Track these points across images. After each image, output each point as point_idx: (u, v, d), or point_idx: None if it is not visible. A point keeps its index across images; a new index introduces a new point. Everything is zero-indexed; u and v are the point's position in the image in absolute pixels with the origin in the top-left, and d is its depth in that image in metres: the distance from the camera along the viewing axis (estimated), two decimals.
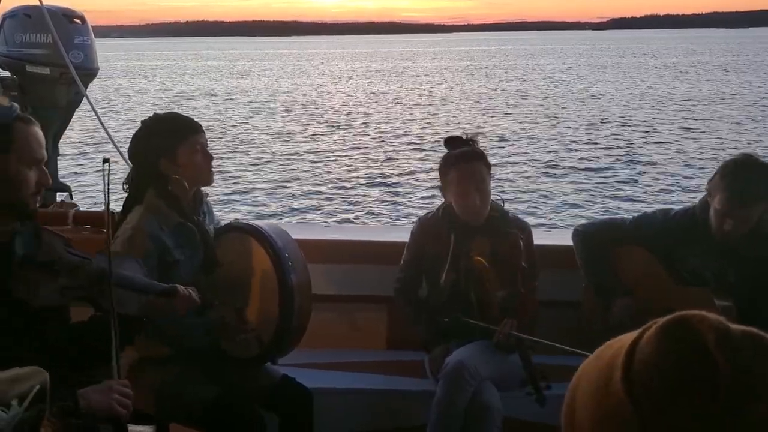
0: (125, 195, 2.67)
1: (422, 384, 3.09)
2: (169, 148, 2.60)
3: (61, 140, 4.34)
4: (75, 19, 4.02)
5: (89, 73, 4.11)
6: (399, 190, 13.60)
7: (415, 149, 18.17)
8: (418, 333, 3.13)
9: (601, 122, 22.28)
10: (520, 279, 2.98)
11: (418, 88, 37.42)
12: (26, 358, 1.36)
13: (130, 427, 2.53)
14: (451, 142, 3.07)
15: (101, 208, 3.67)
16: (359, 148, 18.62)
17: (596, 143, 18.39)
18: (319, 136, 20.81)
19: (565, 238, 3.34)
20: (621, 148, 17.65)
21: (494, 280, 2.96)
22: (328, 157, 17.26)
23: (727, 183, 2.78)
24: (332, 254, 3.50)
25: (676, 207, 3.18)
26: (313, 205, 12.56)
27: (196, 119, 2.75)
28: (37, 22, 3.87)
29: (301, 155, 17.45)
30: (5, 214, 2.06)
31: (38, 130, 2.10)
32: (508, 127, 21.65)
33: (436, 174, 3.11)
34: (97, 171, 14.33)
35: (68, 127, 4.34)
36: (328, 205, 12.59)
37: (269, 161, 16.67)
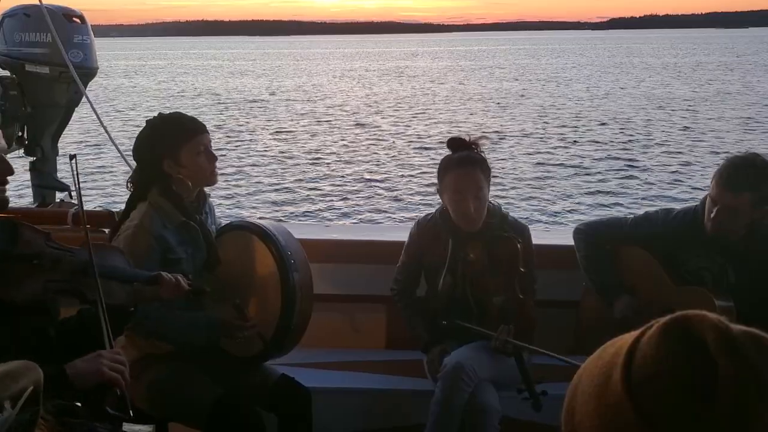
0: (120, 193, 2.68)
1: (421, 384, 3.09)
2: (173, 149, 2.60)
3: (60, 140, 4.33)
4: (74, 18, 4.02)
5: (89, 72, 4.11)
6: (400, 189, 13.60)
7: (416, 149, 18.17)
8: (415, 335, 3.12)
9: (601, 122, 22.28)
10: (517, 285, 2.98)
11: (418, 88, 37.42)
12: (14, 355, 1.35)
13: (129, 426, 2.53)
14: (453, 143, 3.02)
15: (101, 207, 3.67)
16: (360, 147, 18.63)
17: (597, 143, 18.39)
18: (320, 135, 20.81)
19: (564, 238, 3.34)
20: (622, 147, 17.66)
21: (492, 285, 2.96)
22: (329, 156, 17.26)
23: (719, 170, 2.82)
24: (332, 254, 3.50)
25: (677, 207, 3.17)
26: (313, 205, 12.56)
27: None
28: (36, 22, 3.87)
29: (303, 154, 17.45)
30: None
31: None
32: (508, 126, 21.65)
33: (435, 174, 3.09)
34: (96, 172, 14.37)
35: (67, 127, 4.34)
36: (329, 204, 12.59)
37: (270, 160, 16.67)
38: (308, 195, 13.27)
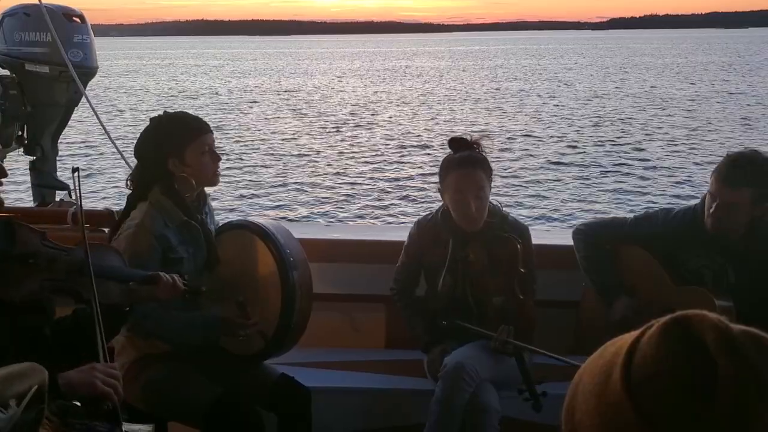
0: (120, 192, 2.68)
1: (421, 383, 3.09)
2: (178, 148, 2.60)
3: (60, 139, 4.33)
4: (74, 18, 4.02)
5: (88, 71, 4.11)
6: (400, 189, 13.61)
7: (416, 148, 18.18)
8: (415, 335, 3.12)
9: (601, 122, 22.29)
10: (517, 285, 2.97)
11: (419, 88, 37.42)
12: (11, 354, 1.35)
13: (128, 425, 2.53)
14: (455, 143, 3.01)
15: (101, 207, 3.67)
16: (360, 147, 18.63)
17: (597, 143, 18.40)
18: (320, 135, 20.82)
19: (564, 238, 3.34)
20: (622, 147, 17.67)
21: (492, 285, 2.96)
22: (329, 155, 17.27)
23: (718, 166, 2.82)
24: (332, 253, 3.50)
25: (676, 207, 3.18)
26: (313, 204, 12.56)
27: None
28: (36, 21, 3.87)
29: (302, 154, 17.46)
30: None
31: None
32: (508, 126, 21.66)
33: (437, 174, 3.09)
34: (95, 172, 14.37)
35: (67, 126, 4.34)
36: (329, 203, 12.60)
37: (270, 160, 16.68)
38: (308, 194, 13.27)
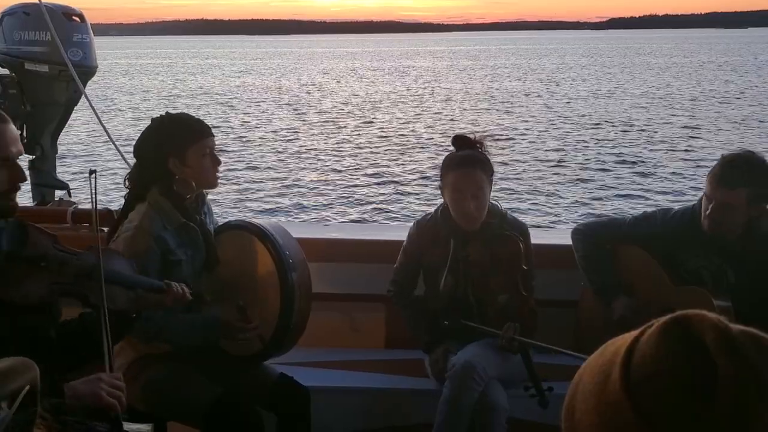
0: (117, 191, 2.67)
1: (421, 383, 3.09)
2: (179, 148, 2.60)
3: (59, 138, 4.33)
4: (74, 17, 4.02)
5: (88, 71, 4.11)
6: (399, 188, 13.61)
7: (416, 148, 18.18)
8: (416, 335, 3.12)
9: (601, 122, 22.29)
10: (520, 282, 2.98)
11: (419, 87, 37.41)
12: (13, 355, 1.34)
13: (128, 425, 2.53)
14: (457, 141, 3.03)
15: (100, 206, 3.67)
16: (359, 146, 18.63)
17: (596, 143, 18.40)
18: (319, 134, 20.81)
19: (563, 238, 3.34)
20: (621, 147, 17.66)
21: (494, 284, 2.96)
22: (328, 155, 17.27)
23: (714, 167, 2.84)
24: (332, 253, 3.50)
25: (675, 207, 3.18)
26: (312, 204, 12.56)
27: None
28: (36, 20, 3.87)
29: (302, 154, 17.45)
30: None
31: (3, 128, 2.05)
32: (507, 126, 21.66)
33: (437, 173, 3.09)
34: (96, 169, 14.35)
35: (67, 125, 4.34)
36: (328, 203, 12.59)
37: (269, 160, 16.67)
38: (308, 194, 13.27)
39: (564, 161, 16.04)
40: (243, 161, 16.32)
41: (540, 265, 3.09)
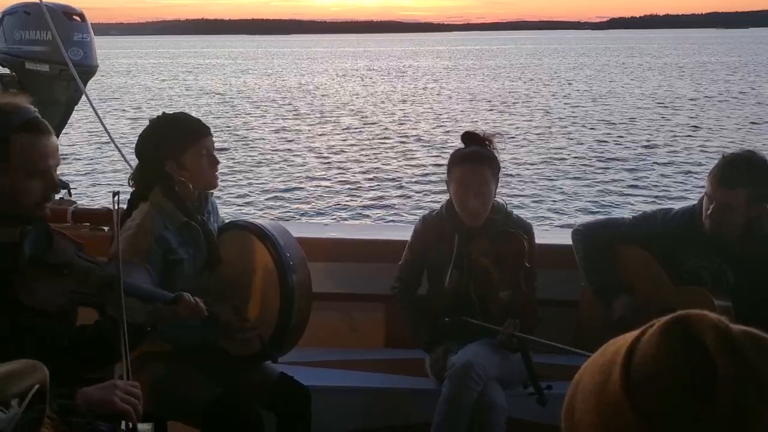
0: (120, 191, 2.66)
1: (421, 383, 3.09)
2: (176, 150, 2.59)
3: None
4: (74, 17, 4.01)
5: (88, 70, 4.11)
6: (400, 188, 13.60)
7: (416, 148, 18.17)
8: (416, 335, 3.12)
9: (601, 122, 22.29)
10: (523, 279, 2.98)
11: (420, 87, 37.41)
12: (19, 348, 1.35)
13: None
14: (466, 137, 3.05)
15: (100, 205, 3.67)
16: (360, 146, 18.63)
17: (597, 143, 18.40)
18: (319, 134, 20.81)
19: (563, 238, 3.34)
20: (622, 147, 17.66)
21: (498, 280, 2.97)
22: (328, 155, 17.27)
23: (714, 167, 2.84)
24: (332, 252, 3.50)
25: (675, 207, 3.18)
26: (313, 204, 12.56)
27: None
28: (36, 19, 3.87)
29: (302, 154, 17.45)
30: (12, 219, 2.06)
31: (45, 139, 2.05)
32: (508, 125, 21.65)
33: (437, 173, 3.10)
34: (96, 168, 14.36)
35: (67, 124, 4.34)
36: (329, 203, 12.59)
37: (270, 160, 16.68)
38: (308, 194, 13.27)
39: (565, 161, 16.03)
40: (243, 161, 16.32)
41: (540, 265, 3.10)
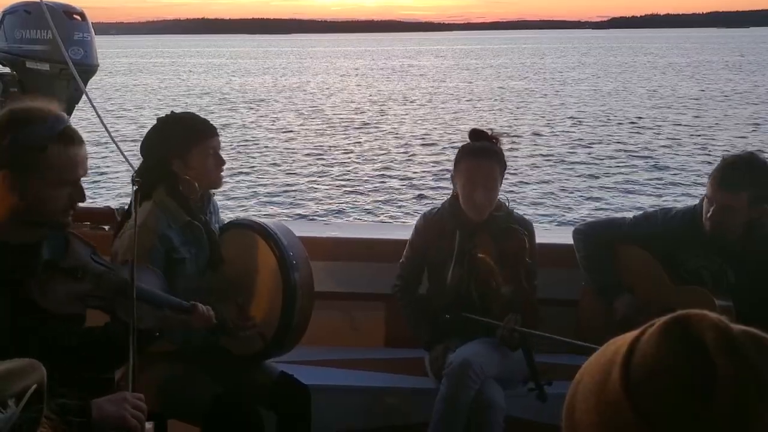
0: (120, 190, 2.67)
1: (421, 382, 3.09)
2: (183, 150, 2.60)
3: None
4: (75, 16, 4.01)
5: (89, 69, 4.11)
6: (402, 187, 13.61)
7: (418, 147, 18.18)
8: (416, 333, 3.12)
9: (602, 121, 22.28)
10: (524, 276, 2.99)
11: (421, 87, 37.40)
12: (22, 350, 1.35)
13: None
14: (474, 135, 3.08)
15: (101, 204, 3.67)
16: (362, 146, 18.63)
17: (598, 142, 18.40)
18: (321, 133, 20.81)
19: (563, 237, 3.34)
20: (623, 147, 17.66)
21: (499, 277, 2.97)
22: (330, 154, 17.27)
23: (715, 169, 2.85)
24: (333, 251, 3.50)
25: (676, 207, 3.18)
26: (315, 203, 12.56)
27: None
28: (37, 19, 3.86)
29: (304, 153, 17.45)
30: (36, 226, 2.07)
31: (77, 150, 2.07)
32: (509, 125, 21.65)
33: (438, 173, 3.11)
34: (96, 168, 14.36)
35: None
36: (331, 202, 12.60)
37: (272, 159, 16.68)
38: (310, 193, 13.27)
39: (566, 160, 16.03)
40: (246, 160, 16.32)
41: (541, 264, 3.10)
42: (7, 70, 4.05)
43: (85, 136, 2.16)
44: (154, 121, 2.72)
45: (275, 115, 25.16)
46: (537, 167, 15.27)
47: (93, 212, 3.49)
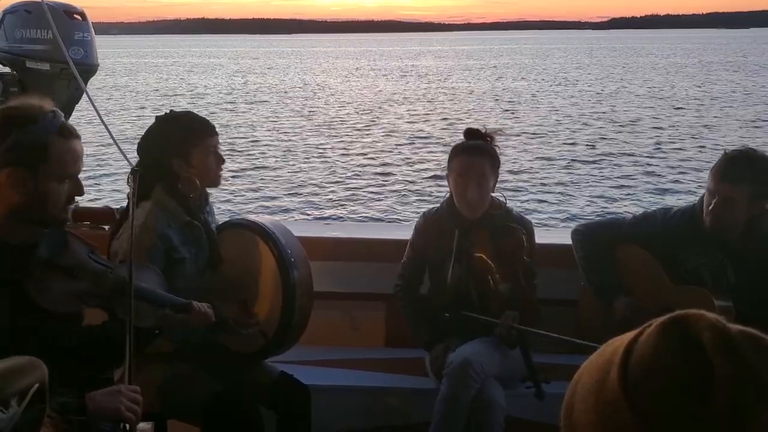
0: (121, 190, 2.67)
1: (421, 382, 3.09)
2: (183, 148, 2.61)
3: None
4: (75, 15, 4.02)
5: (89, 69, 4.10)
6: (402, 187, 13.60)
7: (418, 147, 18.17)
8: (416, 333, 3.12)
9: (603, 121, 22.27)
10: (522, 274, 2.99)
11: (421, 87, 37.39)
12: (22, 350, 1.35)
13: None
14: (469, 133, 3.09)
15: (101, 204, 3.66)
16: (361, 145, 18.63)
17: (597, 142, 18.39)
18: (320, 133, 20.80)
19: (562, 237, 3.34)
20: (623, 147, 17.65)
21: (496, 275, 2.97)
22: (329, 154, 17.26)
23: (716, 163, 2.85)
24: (333, 251, 3.51)
25: (675, 206, 3.18)
26: (314, 203, 12.56)
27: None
28: (37, 18, 3.87)
29: (303, 152, 17.45)
30: (35, 222, 2.07)
31: (77, 144, 2.08)
32: (509, 125, 21.64)
33: (438, 173, 3.12)
34: (97, 167, 14.37)
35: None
36: (330, 202, 12.59)
37: (271, 158, 16.67)
38: (309, 193, 13.27)
39: (565, 160, 16.02)
40: (245, 160, 16.32)
41: (540, 264, 3.10)
42: (7, 69, 4.05)
43: (85, 135, 2.16)
44: (153, 121, 2.73)
45: (275, 115, 25.15)
46: (537, 167, 15.27)
47: (93, 212, 3.49)
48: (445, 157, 3.13)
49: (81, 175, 2.15)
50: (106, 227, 3.36)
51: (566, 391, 0.86)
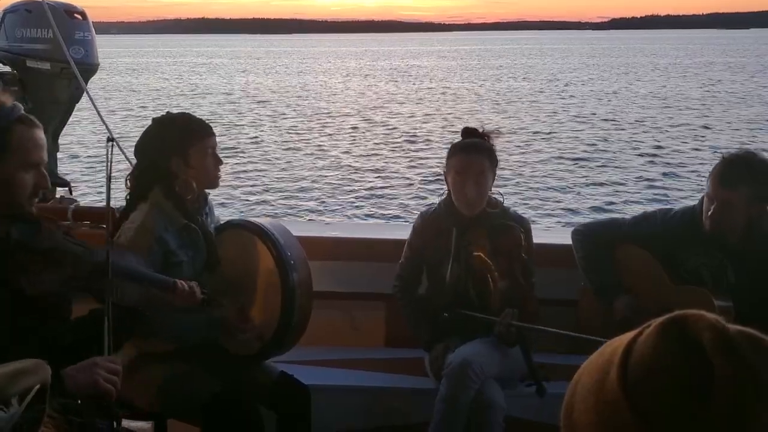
0: (120, 190, 2.66)
1: (421, 382, 3.09)
2: (182, 149, 2.60)
3: (61, 136, 4.33)
4: (76, 15, 4.02)
5: (89, 68, 4.11)
6: (401, 187, 13.61)
7: (418, 147, 18.17)
8: (416, 333, 3.12)
9: (603, 121, 22.27)
10: (520, 272, 2.99)
11: (421, 87, 37.39)
12: (23, 350, 1.35)
13: (128, 423, 2.53)
14: (466, 132, 3.11)
15: (101, 203, 3.67)
16: (361, 145, 18.63)
17: (597, 142, 18.39)
18: (320, 133, 20.80)
19: (562, 237, 3.35)
20: (623, 147, 17.65)
21: (495, 273, 2.97)
22: (329, 154, 17.27)
23: (714, 167, 2.86)
24: (332, 251, 3.51)
25: (675, 207, 3.19)
26: (314, 203, 12.56)
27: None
28: (38, 18, 3.87)
29: (303, 153, 17.45)
30: (3, 216, 2.05)
31: (39, 133, 2.07)
32: (509, 124, 21.64)
33: (438, 173, 3.12)
34: (96, 166, 14.36)
35: (68, 123, 4.34)
36: (329, 202, 12.59)
37: (270, 159, 16.67)
38: (309, 193, 13.27)
39: (565, 161, 16.02)
40: (244, 160, 16.31)
41: (540, 264, 3.10)
42: (7, 68, 4.06)
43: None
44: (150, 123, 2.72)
45: (275, 115, 25.15)
46: (537, 167, 15.27)
47: (93, 212, 3.49)
48: (445, 156, 3.13)
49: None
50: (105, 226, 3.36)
51: (566, 391, 0.86)
